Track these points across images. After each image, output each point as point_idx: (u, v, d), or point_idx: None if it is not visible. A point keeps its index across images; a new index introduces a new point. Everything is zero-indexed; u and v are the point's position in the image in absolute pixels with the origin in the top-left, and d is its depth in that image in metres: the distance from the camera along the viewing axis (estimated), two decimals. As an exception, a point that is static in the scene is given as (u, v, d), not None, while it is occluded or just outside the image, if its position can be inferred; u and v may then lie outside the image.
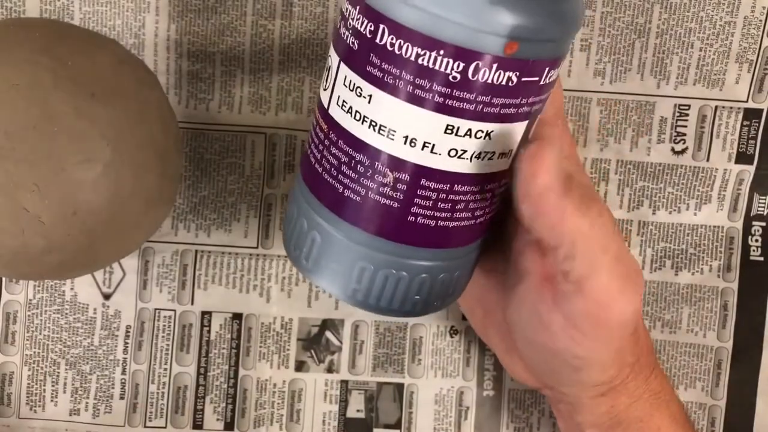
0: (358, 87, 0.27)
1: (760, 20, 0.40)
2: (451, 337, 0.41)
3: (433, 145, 0.27)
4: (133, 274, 0.40)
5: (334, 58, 0.28)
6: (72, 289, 0.40)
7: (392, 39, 0.26)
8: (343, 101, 0.28)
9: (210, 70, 0.39)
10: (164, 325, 0.41)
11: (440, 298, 0.31)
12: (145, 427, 0.41)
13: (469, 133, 0.27)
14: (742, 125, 0.41)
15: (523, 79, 0.26)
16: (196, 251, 0.40)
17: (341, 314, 0.41)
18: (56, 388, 0.40)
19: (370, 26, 0.26)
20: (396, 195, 0.28)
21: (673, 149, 0.41)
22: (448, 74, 0.26)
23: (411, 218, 0.28)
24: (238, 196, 0.40)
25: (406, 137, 0.27)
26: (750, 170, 0.41)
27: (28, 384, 0.40)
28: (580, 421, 0.34)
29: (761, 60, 0.40)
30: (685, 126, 0.41)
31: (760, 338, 0.42)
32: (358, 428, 0.41)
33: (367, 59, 0.27)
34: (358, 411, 0.41)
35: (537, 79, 0.27)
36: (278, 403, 0.41)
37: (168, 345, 0.41)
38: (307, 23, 0.39)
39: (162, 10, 0.38)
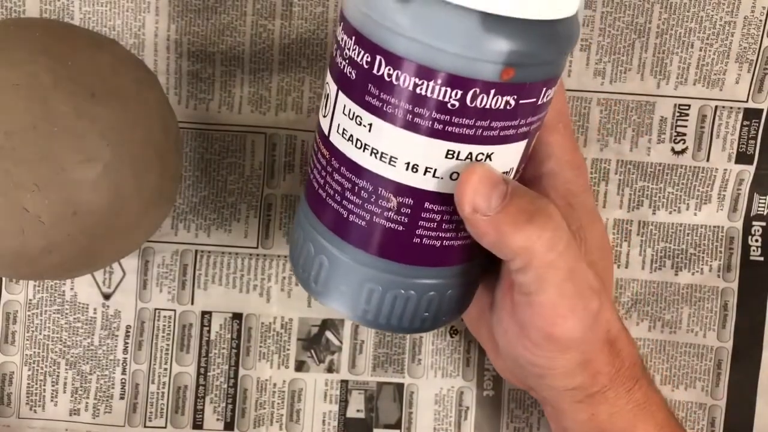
0: (357, 116, 0.27)
1: (760, 20, 0.40)
2: (451, 337, 0.41)
3: (435, 170, 0.27)
4: (133, 274, 0.40)
5: (332, 86, 0.28)
6: (72, 289, 0.40)
7: (389, 70, 0.26)
8: (344, 129, 0.28)
9: (210, 70, 0.39)
10: (164, 325, 0.41)
11: (449, 313, 0.32)
12: (145, 427, 0.41)
13: (469, 156, 0.27)
14: (742, 125, 0.41)
15: (521, 101, 0.26)
16: (196, 251, 0.40)
17: (341, 314, 0.41)
18: (56, 388, 0.40)
19: (367, 57, 0.26)
20: (400, 219, 0.28)
21: (673, 149, 0.41)
22: (446, 102, 0.26)
23: (416, 240, 0.29)
24: (238, 196, 0.40)
25: (408, 163, 0.27)
26: (750, 170, 0.41)
27: (28, 384, 0.40)
28: (564, 426, 0.34)
29: (761, 60, 0.40)
30: (685, 126, 0.41)
31: (760, 338, 0.42)
32: (358, 428, 0.41)
33: (365, 89, 0.27)
34: (358, 411, 0.41)
35: (535, 99, 0.27)
36: (278, 403, 0.41)
37: (168, 345, 0.41)
38: (307, 23, 0.39)
39: (162, 10, 0.38)
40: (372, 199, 0.28)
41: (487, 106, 0.26)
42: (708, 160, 0.41)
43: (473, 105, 0.26)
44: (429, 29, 0.25)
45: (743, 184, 0.41)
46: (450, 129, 0.26)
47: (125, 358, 0.40)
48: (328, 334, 0.41)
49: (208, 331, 0.41)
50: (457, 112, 0.26)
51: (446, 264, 0.30)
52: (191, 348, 0.41)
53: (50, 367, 0.40)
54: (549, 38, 0.26)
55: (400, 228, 0.28)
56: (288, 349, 0.41)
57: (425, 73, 0.25)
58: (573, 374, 0.32)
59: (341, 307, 0.31)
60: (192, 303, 0.41)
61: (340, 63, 0.27)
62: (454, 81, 0.25)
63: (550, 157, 0.32)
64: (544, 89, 0.27)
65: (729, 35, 0.40)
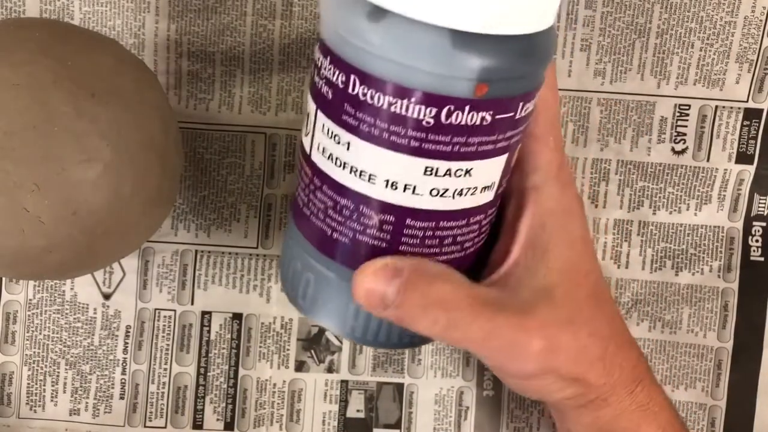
0: (335, 135, 0.27)
1: (761, 20, 0.40)
2: (451, 337, 0.41)
3: (415, 187, 0.27)
4: (133, 274, 0.40)
5: (311, 106, 0.28)
6: (72, 289, 0.40)
7: (364, 89, 0.26)
8: (323, 148, 0.28)
9: (210, 70, 0.39)
10: (164, 325, 0.41)
11: None
12: (145, 427, 0.41)
13: (448, 173, 0.27)
14: (742, 125, 0.41)
15: (498, 116, 0.26)
16: (196, 251, 0.40)
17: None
18: (56, 388, 0.40)
19: (342, 77, 0.26)
20: (383, 236, 0.28)
21: (673, 149, 0.41)
22: (422, 120, 0.26)
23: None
24: (238, 196, 0.40)
25: (387, 181, 0.27)
26: (750, 170, 0.41)
27: (28, 384, 0.40)
28: (568, 429, 0.34)
29: (761, 60, 0.40)
30: (686, 126, 0.41)
31: (761, 338, 0.42)
32: (358, 428, 0.41)
33: (341, 108, 0.27)
34: (358, 411, 0.41)
35: (512, 114, 0.27)
36: (278, 403, 0.41)
37: (168, 345, 0.41)
38: (307, 23, 0.39)
39: (162, 10, 0.38)
40: (354, 217, 0.28)
41: (463, 123, 0.26)
42: (708, 160, 0.41)
43: (448, 122, 0.26)
44: (400, 48, 0.25)
45: (743, 184, 0.41)
46: (427, 146, 0.26)
47: (125, 358, 0.40)
48: (328, 334, 0.41)
49: (208, 331, 0.41)
50: (432, 130, 0.26)
51: None
52: (191, 348, 0.41)
53: (50, 367, 0.40)
54: (523, 53, 0.26)
55: (383, 245, 0.28)
56: (288, 349, 0.41)
57: (399, 91, 0.25)
58: (560, 389, 0.32)
59: (329, 324, 0.31)
60: (192, 303, 0.41)
61: (318, 82, 0.28)
62: (428, 99, 0.25)
63: (537, 170, 0.31)
64: (521, 103, 0.27)
65: (729, 35, 0.40)
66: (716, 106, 0.41)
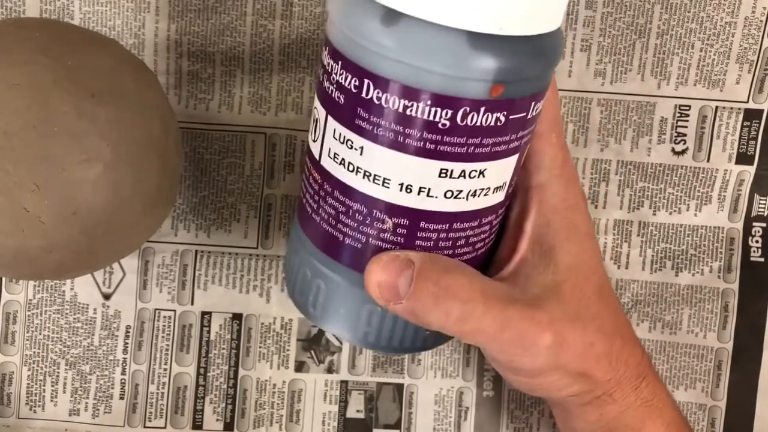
0: (348, 140, 0.27)
1: (761, 21, 0.40)
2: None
3: (429, 189, 0.27)
4: (133, 274, 0.40)
5: (320, 111, 0.28)
6: (72, 289, 0.40)
7: (378, 93, 0.26)
8: (335, 153, 0.28)
9: (210, 70, 0.39)
10: (164, 325, 0.41)
11: None
12: (145, 427, 0.41)
13: (462, 174, 0.27)
14: (742, 126, 0.41)
15: (511, 117, 0.26)
16: (196, 251, 0.40)
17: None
18: (56, 388, 0.40)
19: (355, 81, 0.26)
20: (396, 239, 0.28)
21: (673, 150, 0.41)
22: (437, 122, 0.26)
23: None
24: (238, 196, 0.40)
25: (402, 184, 0.27)
26: (750, 171, 0.41)
27: (28, 384, 0.40)
28: (572, 426, 0.34)
29: (762, 60, 0.40)
30: (686, 126, 0.41)
31: (761, 339, 0.42)
32: (357, 428, 0.41)
33: (354, 113, 0.26)
34: (357, 411, 0.41)
35: (524, 114, 0.27)
36: (278, 404, 0.41)
37: (168, 345, 0.41)
38: (307, 23, 0.39)
39: (162, 10, 0.38)
40: (367, 222, 0.28)
41: (478, 124, 0.26)
42: (708, 160, 0.41)
43: (464, 124, 0.26)
44: (416, 51, 0.25)
45: (743, 184, 0.41)
46: (442, 148, 0.26)
47: (125, 359, 0.40)
48: (328, 335, 0.41)
49: (208, 332, 0.41)
50: (448, 132, 0.26)
51: None
52: (191, 348, 0.41)
53: (50, 367, 0.40)
54: (536, 53, 0.26)
55: (397, 248, 0.28)
56: (288, 350, 0.41)
57: (414, 94, 0.25)
58: (567, 386, 0.32)
59: (341, 331, 0.31)
60: (192, 303, 0.41)
61: (328, 88, 0.27)
62: (444, 101, 0.25)
63: (540, 168, 0.31)
64: (533, 103, 0.27)
65: (729, 36, 0.40)
66: (716, 107, 0.41)
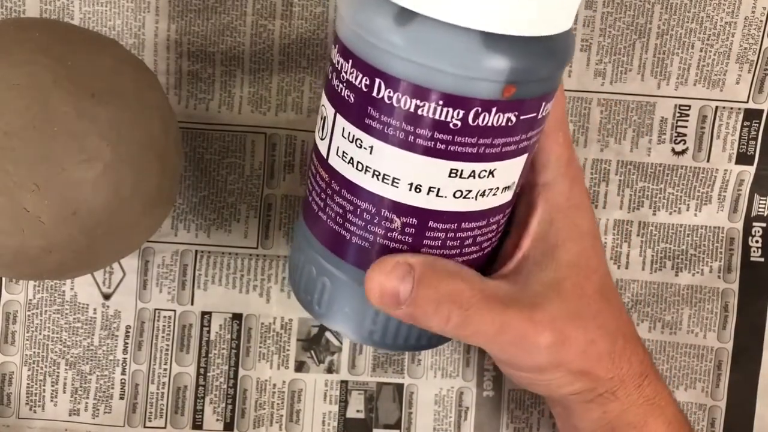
0: (357, 139, 0.27)
1: (761, 21, 0.40)
2: (451, 337, 0.41)
3: (439, 189, 0.27)
4: (133, 274, 0.40)
5: (329, 109, 0.28)
6: (72, 289, 0.40)
7: (389, 92, 0.26)
8: (343, 152, 0.28)
9: (210, 70, 0.39)
10: (164, 325, 0.41)
11: None
12: (145, 427, 0.41)
13: (472, 174, 0.27)
14: (742, 126, 0.41)
15: (522, 117, 0.26)
16: (196, 251, 0.40)
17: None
18: (56, 388, 0.40)
19: (365, 80, 0.26)
20: (405, 238, 0.28)
21: (673, 150, 0.41)
22: (449, 122, 0.26)
23: None
24: (238, 196, 0.40)
25: (411, 184, 0.27)
26: (750, 171, 0.41)
27: (28, 384, 0.40)
28: (574, 424, 0.34)
29: (762, 60, 0.40)
30: (686, 126, 0.41)
31: (761, 339, 0.42)
32: (357, 428, 0.41)
33: (365, 112, 0.26)
34: (357, 411, 0.41)
35: (534, 114, 0.27)
36: (278, 404, 0.41)
37: (168, 345, 0.41)
38: (307, 23, 0.39)
39: (162, 10, 0.38)
40: (375, 221, 0.28)
41: (489, 124, 0.26)
42: (708, 160, 0.41)
43: (475, 124, 0.26)
44: (429, 50, 0.25)
45: (743, 184, 0.41)
46: (452, 148, 0.26)
47: (125, 359, 0.40)
48: (328, 335, 0.41)
49: (208, 332, 0.41)
50: (459, 132, 0.26)
51: None
52: (191, 348, 0.41)
53: (50, 367, 0.40)
54: (548, 54, 0.26)
55: (405, 248, 0.28)
56: (288, 350, 0.41)
57: (426, 94, 0.25)
58: (569, 383, 0.32)
59: (346, 329, 0.31)
60: (192, 303, 0.41)
61: (337, 86, 0.27)
62: (456, 101, 0.25)
63: (546, 167, 0.31)
64: (543, 103, 0.27)
65: (729, 36, 0.40)
66: (716, 107, 0.41)
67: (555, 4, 0.25)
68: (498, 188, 0.28)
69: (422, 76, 0.25)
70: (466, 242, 0.29)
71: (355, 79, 0.26)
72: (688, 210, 0.41)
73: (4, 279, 0.40)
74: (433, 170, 0.27)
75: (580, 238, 0.31)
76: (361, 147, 0.27)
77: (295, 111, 0.40)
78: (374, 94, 0.26)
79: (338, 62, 0.27)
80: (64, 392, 0.40)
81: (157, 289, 0.40)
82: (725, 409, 0.42)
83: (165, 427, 0.41)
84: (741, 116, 0.41)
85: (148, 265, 0.40)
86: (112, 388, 0.40)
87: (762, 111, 0.41)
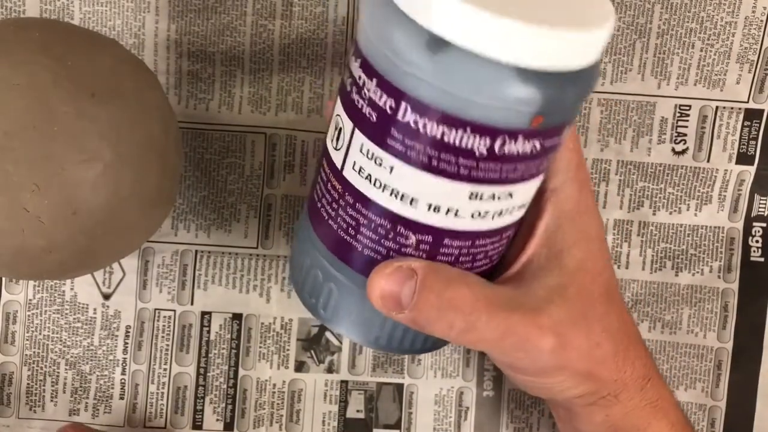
0: (378, 157, 0.26)
1: (761, 20, 0.40)
2: (451, 337, 0.41)
3: (457, 210, 0.27)
4: (133, 274, 0.40)
5: (346, 122, 0.27)
6: (72, 289, 0.40)
7: (415, 117, 0.25)
8: (361, 167, 0.27)
9: (210, 70, 0.39)
10: (164, 325, 0.41)
11: None
12: (145, 427, 0.41)
13: (492, 196, 0.27)
14: (742, 126, 0.41)
15: (545, 143, 0.26)
16: (196, 251, 0.40)
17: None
18: (56, 388, 0.40)
19: (391, 102, 0.25)
20: (418, 254, 0.28)
21: (673, 150, 0.41)
22: (475, 150, 0.25)
23: None
24: (238, 196, 0.40)
25: (430, 204, 0.27)
26: (751, 171, 0.41)
27: (28, 384, 0.40)
28: (577, 427, 0.34)
29: (762, 60, 0.40)
30: (686, 126, 0.41)
31: (761, 339, 0.42)
32: (357, 428, 0.41)
33: (387, 132, 0.26)
34: (357, 411, 0.41)
35: (557, 139, 0.27)
36: (278, 404, 0.41)
37: (168, 345, 0.41)
38: (307, 23, 0.39)
39: (162, 10, 0.38)
40: (390, 236, 0.28)
41: (515, 152, 0.26)
42: (708, 160, 0.41)
43: (501, 152, 0.26)
44: (459, 81, 0.24)
45: (744, 184, 0.41)
46: (475, 173, 0.26)
47: (125, 359, 0.40)
48: (328, 335, 0.41)
49: (208, 332, 0.41)
50: (484, 158, 0.26)
51: None
52: (191, 348, 0.41)
53: (50, 367, 0.40)
54: (577, 85, 0.26)
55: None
56: (288, 350, 0.41)
57: (453, 121, 0.25)
58: (573, 387, 0.32)
59: (353, 334, 0.30)
60: (192, 303, 0.41)
61: (358, 102, 0.27)
62: (484, 130, 0.25)
63: (557, 173, 0.31)
64: (566, 128, 0.27)
65: (730, 35, 0.40)
66: (717, 107, 0.41)
67: (586, 40, 0.25)
68: (515, 207, 0.28)
69: (451, 104, 0.25)
70: (479, 256, 0.29)
71: (379, 99, 0.26)
72: (688, 210, 0.41)
73: (4, 279, 0.40)
74: (453, 193, 0.26)
75: (587, 243, 0.31)
76: (380, 166, 0.26)
77: (295, 111, 0.40)
78: (399, 117, 0.25)
79: (360, 78, 0.26)
80: (64, 392, 0.40)
81: (157, 289, 0.40)
82: (725, 409, 0.42)
83: (165, 427, 0.41)
84: (741, 116, 0.41)
85: (148, 265, 0.40)
86: (112, 388, 0.40)
87: (762, 111, 0.41)
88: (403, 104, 0.25)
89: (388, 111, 0.26)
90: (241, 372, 0.41)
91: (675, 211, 0.41)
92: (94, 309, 0.40)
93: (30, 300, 0.40)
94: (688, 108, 0.41)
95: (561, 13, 0.25)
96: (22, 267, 0.31)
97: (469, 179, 0.26)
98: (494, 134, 0.25)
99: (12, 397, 0.40)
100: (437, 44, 0.24)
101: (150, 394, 0.41)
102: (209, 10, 0.39)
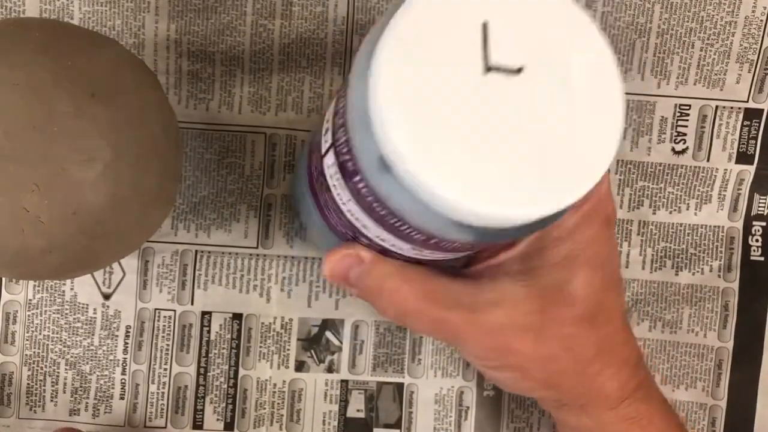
0: (341, 183, 0.27)
1: (761, 20, 0.40)
2: (452, 337, 0.41)
3: (401, 247, 0.28)
4: (133, 274, 0.40)
5: (328, 133, 0.28)
6: (72, 289, 0.40)
7: (368, 194, 0.25)
8: (331, 175, 0.28)
9: (210, 69, 0.39)
10: (164, 325, 0.41)
11: None
12: (145, 427, 0.41)
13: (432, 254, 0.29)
14: (742, 125, 0.41)
15: (489, 243, 0.28)
16: (196, 251, 0.40)
17: (341, 314, 0.41)
18: (56, 388, 0.40)
19: (351, 166, 0.25)
20: (372, 247, 0.30)
21: (673, 149, 0.41)
22: (413, 236, 0.26)
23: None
24: (238, 196, 0.40)
25: (377, 236, 0.28)
26: (750, 170, 0.41)
27: (28, 384, 0.40)
28: (557, 429, 0.35)
29: (762, 60, 0.40)
30: (686, 126, 0.41)
31: (761, 338, 0.42)
32: (358, 428, 0.41)
33: (349, 177, 0.26)
34: (358, 411, 0.41)
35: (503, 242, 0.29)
36: (278, 403, 0.41)
37: (168, 345, 0.41)
38: (307, 23, 0.39)
39: (162, 10, 0.38)
40: (350, 230, 0.29)
41: (453, 243, 0.26)
42: (708, 160, 0.41)
43: (438, 242, 0.26)
44: (400, 202, 0.24)
45: (743, 184, 0.41)
46: (415, 242, 0.27)
47: (125, 359, 0.40)
48: (328, 334, 0.41)
49: (208, 331, 0.41)
50: (422, 242, 0.27)
51: None
52: (191, 348, 0.41)
53: (50, 367, 0.40)
54: (524, 230, 0.25)
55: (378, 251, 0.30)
56: (288, 349, 0.41)
57: (396, 214, 0.25)
58: (531, 389, 0.33)
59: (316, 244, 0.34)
60: (192, 303, 0.41)
61: (336, 134, 0.27)
62: (421, 231, 0.26)
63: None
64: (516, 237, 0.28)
65: (730, 35, 0.40)
66: (716, 106, 0.41)
67: (531, 214, 0.24)
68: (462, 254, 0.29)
69: (395, 209, 0.25)
70: (436, 256, 0.30)
71: (346, 154, 0.26)
72: (688, 209, 0.41)
73: (4, 279, 0.40)
74: (396, 240, 0.27)
75: (568, 269, 0.31)
76: (343, 189, 0.27)
77: (295, 111, 0.40)
78: (356, 180, 0.25)
79: (339, 137, 0.26)
80: (65, 392, 0.40)
81: (157, 289, 0.40)
82: (726, 409, 0.42)
83: (165, 427, 0.41)
84: (741, 116, 0.41)
85: (148, 265, 0.40)
86: (113, 388, 0.40)
87: (762, 110, 0.41)
88: (360, 179, 0.25)
89: (349, 168, 0.26)
90: (242, 372, 0.41)
91: (675, 210, 0.41)
92: (94, 309, 0.40)
93: (30, 300, 0.40)
94: (687, 107, 0.41)
95: (535, 156, 0.23)
96: (22, 267, 0.31)
97: (409, 241, 0.27)
98: (430, 236, 0.26)
99: (12, 397, 0.40)
100: (385, 166, 0.24)
101: (150, 394, 0.41)
102: (209, 9, 0.39)
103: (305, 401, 0.41)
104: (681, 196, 0.41)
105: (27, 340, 0.40)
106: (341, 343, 0.41)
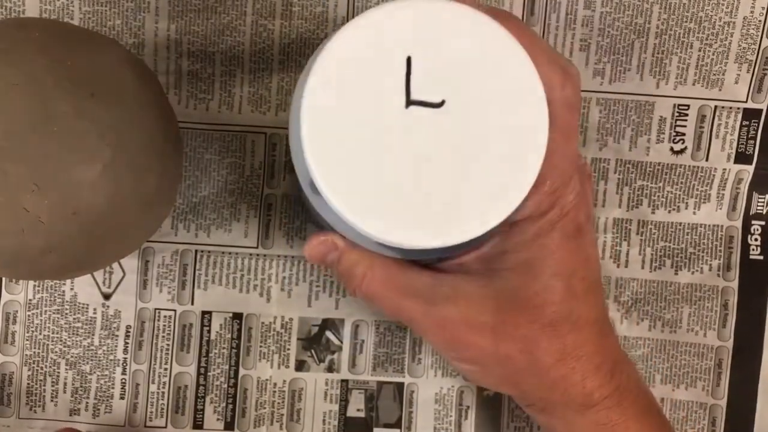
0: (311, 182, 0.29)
1: (760, 20, 0.40)
2: (451, 336, 0.41)
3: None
4: (133, 274, 0.40)
5: (309, 192, 0.29)
6: (72, 289, 0.40)
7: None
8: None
9: (210, 69, 0.39)
10: (164, 325, 0.41)
11: None
12: (146, 426, 0.41)
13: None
14: (741, 125, 0.41)
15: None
16: (196, 251, 0.41)
17: (341, 314, 0.41)
18: (56, 388, 0.40)
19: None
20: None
21: (672, 149, 0.41)
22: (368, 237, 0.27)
23: None
24: (238, 196, 0.40)
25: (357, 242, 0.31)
26: (749, 170, 0.41)
27: (28, 384, 0.40)
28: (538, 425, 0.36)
29: (760, 60, 0.40)
30: (685, 126, 0.41)
31: (761, 337, 0.42)
32: (358, 427, 0.41)
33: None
34: (358, 410, 0.41)
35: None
36: (278, 403, 0.41)
37: (168, 345, 0.41)
38: (307, 23, 0.39)
39: (162, 10, 0.38)
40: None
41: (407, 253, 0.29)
42: (707, 159, 0.41)
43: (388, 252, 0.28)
44: (335, 224, 0.27)
45: (742, 183, 0.41)
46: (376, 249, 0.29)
47: (125, 358, 0.40)
48: (329, 334, 0.41)
49: (208, 331, 0.41)
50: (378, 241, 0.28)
51: None
52: (191, 348, 0.41)
53: (50, 367, 0.40)
54: (449, 250, 0.27)
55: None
56: (288, 349, 0.41)
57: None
58: (495, 385, 0.35)
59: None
60: (192, 303, 0.41)
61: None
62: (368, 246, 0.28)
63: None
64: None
65: (728, 35, 0.40)
66: (715, 106, 0.41)
67: (445, 240, 0.25)
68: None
69: (334, 226, 0.28)
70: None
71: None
72: (687, 208, 0.41)
73: (4, 279, 0.40)
74: (363, 238, 0.28)
75: (526, 275, 0.31)
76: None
77: (294, 111, 0.40)
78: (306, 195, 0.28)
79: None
80: (65, 392, 0.40)
81: (157, 289, 0.40)
82: (726, 408, 0.42)
83: (166, 427, 0.41)
84: (740, 116, 0.41)
85: (148, 265, 0.40)
86: (113, 387, 0.41)
87: (761, 110, 0.41)
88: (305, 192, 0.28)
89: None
90: (242, 371, 0.41)
91: (674, 209, 0.41)
92: (94, 309, 0.40)
93: (30, 300, 0.40)
94: (686, 107, 0.41)
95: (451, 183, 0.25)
96: (22, 267, 0.31)
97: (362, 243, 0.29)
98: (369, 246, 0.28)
99: (12, 397, 0.40)
100: (315, 189, 0.26)
101: (150, 393, 0.41)
102: (209, 10, 0.39)
103: (305, 401, 0.41)
104: (680, 195, 0.41)
105: (27, 340, 0.40)
106: (341, 342, 0.41)
